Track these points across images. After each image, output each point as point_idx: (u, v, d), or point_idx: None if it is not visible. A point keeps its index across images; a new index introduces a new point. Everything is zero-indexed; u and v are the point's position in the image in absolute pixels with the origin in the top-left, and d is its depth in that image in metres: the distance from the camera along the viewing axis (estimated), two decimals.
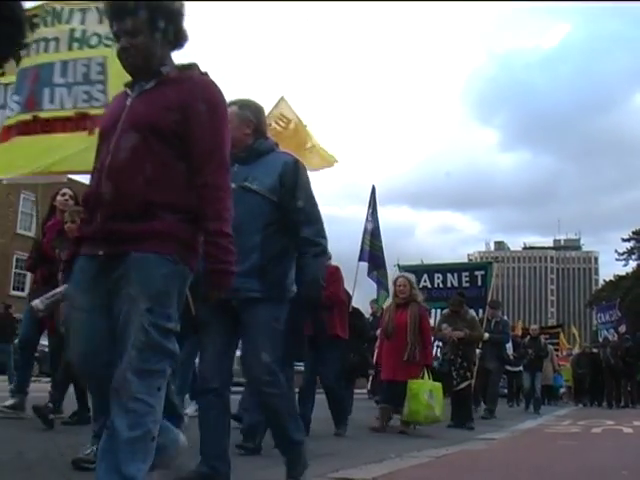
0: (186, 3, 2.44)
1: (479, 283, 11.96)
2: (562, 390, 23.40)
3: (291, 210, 3.21)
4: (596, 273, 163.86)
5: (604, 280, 72.49)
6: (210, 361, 3.22)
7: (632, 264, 60.10)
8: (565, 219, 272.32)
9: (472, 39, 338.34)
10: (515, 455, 5.53)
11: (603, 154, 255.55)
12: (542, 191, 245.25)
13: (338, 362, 6.49)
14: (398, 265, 12.14)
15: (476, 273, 12.10)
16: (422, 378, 7.04)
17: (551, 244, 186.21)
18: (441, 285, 12.20)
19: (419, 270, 12.13)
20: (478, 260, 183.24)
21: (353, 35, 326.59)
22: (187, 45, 2.47)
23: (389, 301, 10.86)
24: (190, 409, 6.45)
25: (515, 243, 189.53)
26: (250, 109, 3.34)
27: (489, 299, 11.83)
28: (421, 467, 4.30)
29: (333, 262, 6.58)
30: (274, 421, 3.35)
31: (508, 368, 15.86)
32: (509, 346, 14.99)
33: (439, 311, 11.10)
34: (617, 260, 61.84)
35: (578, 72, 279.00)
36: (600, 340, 20.60)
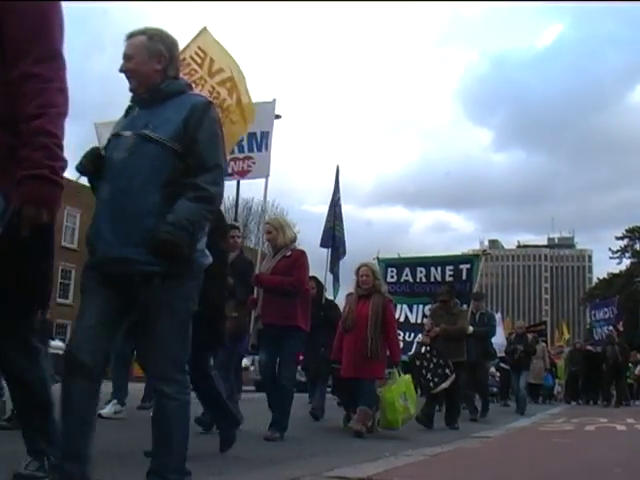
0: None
1: (464, 277, 11.12)
2: (558, 389, 23.24)
3: (189, 155, 2.64)
4: (590, 271, 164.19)
5: (598, 278, 72.76)
6: (85, 331, 2.58)
7: (626, 262, 60.40)
8: (559, 218, 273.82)
9: (465, 39, 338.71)
10: (510, 453, 5.55)
11: (597, 153, 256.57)
12: (536, 190, 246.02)
13: (295, 357, 5.96)
14: (378, 258, 11.40)
15: (461, 267, 11.26)
16: (390, 378, 6.65)
17: (545, 243, 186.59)
18: (424, 279, 11.45)
19: (401, 263, 11.71)
20: None
21: (347, 34, 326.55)
22: None
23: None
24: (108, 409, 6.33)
25: (509, 242, 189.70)
26: (163, 41, 2.79)
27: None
28: (416, 465, 4.31)
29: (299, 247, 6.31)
30: (159, 432, 2.65)
31: (503, 366, 15.68)
32: (501, 342, 14.63)
33: (421, 307, 10.91)
34: (611, 258, 62.16)
35: (571, 71, 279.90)
36: (596, 337, 20.45)
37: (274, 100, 7.52)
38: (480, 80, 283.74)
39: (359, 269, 6.95)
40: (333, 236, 10.09)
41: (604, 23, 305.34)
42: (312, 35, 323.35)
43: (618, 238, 62.20)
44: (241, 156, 7.18)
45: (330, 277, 10.30)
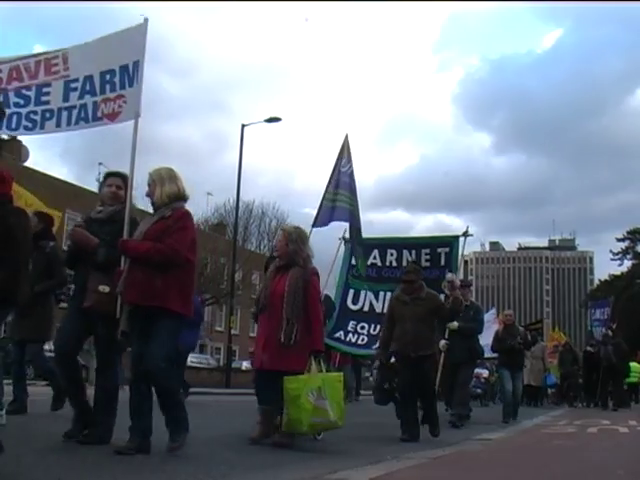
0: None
1: (442, 262, 9.40)
2: (551, 390, 22.06)
3: None
4: (591, 273, 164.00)
5: (599, 280, 72.74)
6: None
7: (627, 264, 60.38)
8: (559, 220, 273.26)
9: (465, 43, 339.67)
10: (512, 456, 5.53)
11: (596, 156, 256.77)
12: (536, 193, 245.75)
13: (164, 349, 4.24)
14: (344, 238, 10.06)
15: (439, 250, 9.53)
16: (308, 370, 5.13)
17: (546, 245, 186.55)
18: (394, 263, 9.69)
19: (369, 244, 9.76)
20: (473, 261, 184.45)
21: (346, 37, 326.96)
22: None
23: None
24: None
25: (510, 244, 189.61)
26: None
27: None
28: (418, 468, 4.30)
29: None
30: None
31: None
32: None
33: (389, 294, 8.47)
34: (612, 260, 62.06)
35: (571, 76, 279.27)
36: (598, 338, 20.29)
37: (146, 20, 5.62)
38: (480, 84, 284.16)
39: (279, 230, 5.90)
40: (347, 212, 8.94)
41: (603, 28, 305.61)
42: (313, 37, 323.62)
43: (619, 240, 62.18)
44: (112, 95, 5.57)
45: (337, 266, 9.79)
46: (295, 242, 5.50)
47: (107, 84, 5.56)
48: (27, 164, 32.39)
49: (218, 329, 43.28)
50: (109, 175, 5.10)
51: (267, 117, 27.25)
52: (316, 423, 5.04)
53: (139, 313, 4.32)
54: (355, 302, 9.91)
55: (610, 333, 18.60)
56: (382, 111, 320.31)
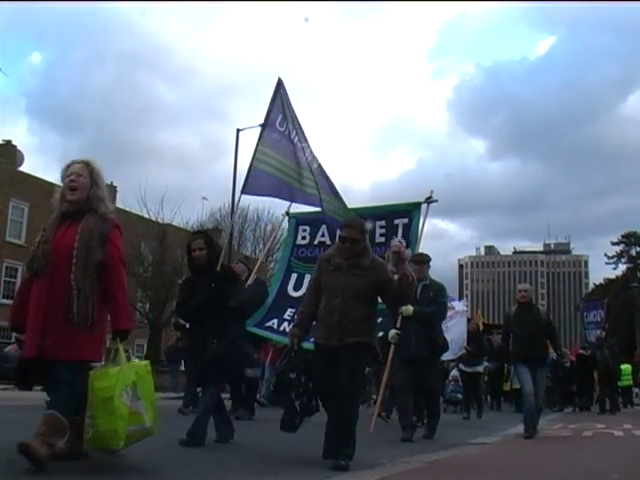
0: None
1: (399, 236, 7.56)
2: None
3: None
4: (586, 277, 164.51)
5: (594, 284, 72.93)
6: None
7: (622, 267, 60.62)
8: (554, 225, 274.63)
9: (460, 50, 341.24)
10: (507, 459, 5.53)
11: (590, 162, 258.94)
12: (531, 198, 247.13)
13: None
14: (288, 213, 8.92)
15: (396, 222, 7.99)
16: (113, 361, 3.71)
17: (541, 249, 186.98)
18: None
19: (316, 219, 8.18)
20: (469, 265, 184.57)
21: (342, 45, 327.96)
22: None
23: None
24: None
25: (505, 248, 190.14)
26: None
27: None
28: (413, 472, 4.29)
29: None
30: None
31: (463, 368, 13.38)
32: (461, 335, 12.37)
33: None
34: (607, 264, 62.32)
35: (564, 82, 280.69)
36: (593, 340, 20.25)
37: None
38: (475, 91, 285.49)
39: (67, 167, 3.97)
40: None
41: (596, 35, 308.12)
42: (309, 43, 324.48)
43: (614, 243, 62.50)
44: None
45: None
46: (95, 179, 3.97)
47: None
48: (21, 169, 32.46)
49: None
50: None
51: (262, 122, 27.25)
52: (131, 434, 3.66)
53: None
54: (297, 288, 8.32)
55: (603, 335, 18.63)
56: (378, 117, 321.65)
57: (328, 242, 8.21)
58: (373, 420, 6.90)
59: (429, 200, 7.84)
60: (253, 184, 6.55)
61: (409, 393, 7.02)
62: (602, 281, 63.92)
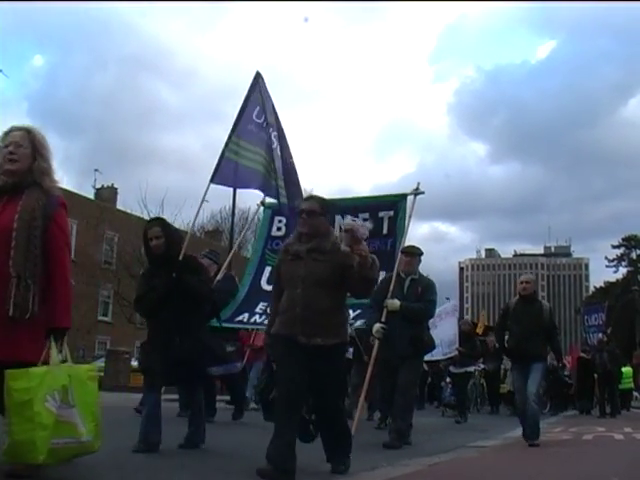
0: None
1: (384, 230, 7.32)
2: None
3: None
4: (587, 280, 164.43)
5: (595, 287, 72.90)
6: None
7: (622, 270, 60.63)
8: (555, 228, 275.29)
9: (461, 54, 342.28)
10: (507, 463, 5.53)
11: (590, 165, 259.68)
12: (532, 201, 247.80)
13: None
14: (263, 203, 8.43)
15: (380, 215, 7.44)
16: (44, 362, 3.14)
17: (542, 252, 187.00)
18: None
19: (296, 211, 7.13)
20: (469, 268, 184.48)
21: (343, 48, 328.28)
22: None
23: None
24: None
25: (506, 251, 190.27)
26: None
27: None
28: (413, 476, 4.29)
29: None
30: None
31: (452, 370, 12.48)
32: (450, 335, 11.76)
33: None
34: (607, 267, 62.33)
35: (565, 86, 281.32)
36: (595, 343, 20.21)
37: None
38: (475, 94, 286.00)
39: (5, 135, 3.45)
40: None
41: (597, 39, 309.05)
42: (310, 46, 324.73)
43: (614, 247, 62.53)
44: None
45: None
46: (39, 149, 3.42)
47: None
48: None
49: None
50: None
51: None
52: (60, 447, 3.04)
53: None
54: (271, 281, 7.26)
55: (605, 339, 18.61)
56: (379, 120, 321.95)
57: None
58: (355, 422, 6.24)
59: (416, 192, 7.32)
60: (223, 174, 6.48)
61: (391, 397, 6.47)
62: (602, 284, 63.89)
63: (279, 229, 8.20)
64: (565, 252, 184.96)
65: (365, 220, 6.79)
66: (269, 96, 7.08)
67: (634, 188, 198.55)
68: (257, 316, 7.52)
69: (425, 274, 7.15)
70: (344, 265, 3.97)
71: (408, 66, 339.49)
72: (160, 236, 4.79)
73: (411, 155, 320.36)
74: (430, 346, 6.89)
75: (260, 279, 7.94)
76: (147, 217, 30.26)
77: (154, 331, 4.90)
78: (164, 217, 7.39)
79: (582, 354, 18.81)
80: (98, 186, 38.18)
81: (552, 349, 7.64)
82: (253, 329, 8.71)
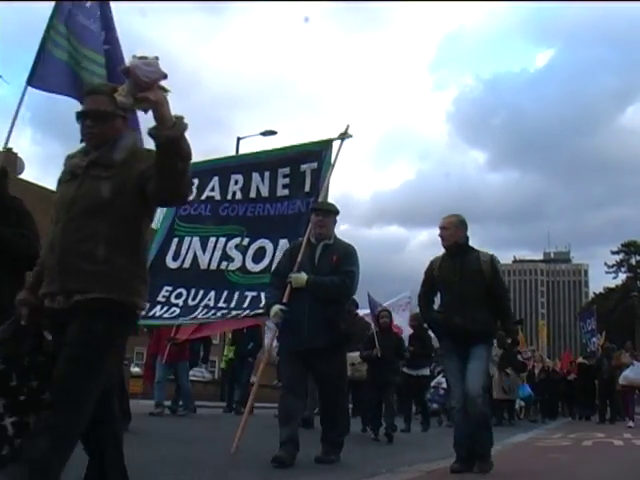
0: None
1: (306, 187, 5.96)
2: (521, 403, 17.10)
3: None
4: (586, 286, 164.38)
5: (594, 293, 72.88)
6: None
7: (622, 276, 60.67)
8: (554, 234, 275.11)
9: (460, 63, 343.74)
10: (506, 469, 5.50)
11: (588, 173, 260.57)
12: (530, 208, 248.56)
13: None
14: None
15: (303, 168, 6.03)
16: None
17: (541, 258, 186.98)
18: (238, 195, 6.31)
19: (205, 169, 6.45)
20: None
21: (342, 57, 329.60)
22: None
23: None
24: None
25: (506, 257, 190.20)
26: None
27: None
28: None
29: None
30: None
31: (406, 371, 10.19)
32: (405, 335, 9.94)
33: (223, 241, 6.16)
34: (607, 273, 62.36)
35: (563, 94, 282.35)
36: (595, 349, 20.11)
37: None
38: (474, 103, 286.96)
39: None
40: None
41: (594, 48, 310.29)
42: (311, 54, 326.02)
43: (614, 253, 62.55)
44: None
45: None
46: None
47: None
48: (22, 176, 32.50)
49: (214, 342, 43.09)
50: None
51: (263, 130, 27.36)
52: None
53: None
54: (176, 257, 6.40)
55: (607, 344, 18.64)
56: (379, 128, 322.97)
57: (218, 197, 6.39)
58: (241, 426, 5.14)
59: (343, 136, 5.91)
60: (44, 75, 5.00)
61: (299, 394, 4.97)
62: (602, 290, 63.89)
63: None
64: (564, 258, 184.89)
65: (285, 176, 6.03)
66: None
67: (633, 195, 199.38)
68: (158, 307, 6.01)
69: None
70: (140, 171, 2.55)
71: (408, 74, 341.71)
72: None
73: (410, 162, 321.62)
74: (347, 336, 5.18)
75: (165, 256, 6.44)
76: None
77: None
78: None
79: (583, 360, 18.83)
80: None
81: (501, 320, 5.26)
82: (158, 325, 7.41)
